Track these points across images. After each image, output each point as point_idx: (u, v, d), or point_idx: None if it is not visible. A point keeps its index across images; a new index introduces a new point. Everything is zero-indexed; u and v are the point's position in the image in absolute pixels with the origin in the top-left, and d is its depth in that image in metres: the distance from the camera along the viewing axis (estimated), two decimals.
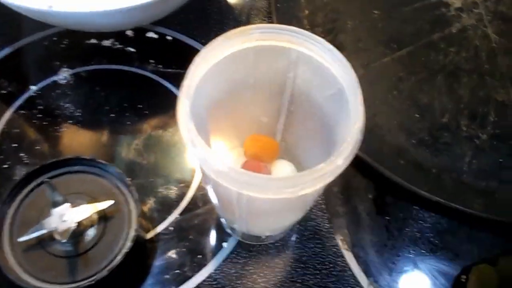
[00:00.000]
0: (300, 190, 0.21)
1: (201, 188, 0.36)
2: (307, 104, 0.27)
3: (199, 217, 0.36)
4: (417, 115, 0.41)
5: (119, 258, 0.30)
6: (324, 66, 0.24)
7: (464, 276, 0.34)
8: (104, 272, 0.29)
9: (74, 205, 0.30)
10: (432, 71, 0.43)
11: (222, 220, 0.35)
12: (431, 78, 0.43)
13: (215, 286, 0.33)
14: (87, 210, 0.30)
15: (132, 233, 0.31)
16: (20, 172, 0.35)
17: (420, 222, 0.37)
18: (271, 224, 0.29)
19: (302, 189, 0.21)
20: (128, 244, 0.30)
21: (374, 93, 0.42)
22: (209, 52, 0.23)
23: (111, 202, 0.31)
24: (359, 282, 0.34)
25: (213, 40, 0.23)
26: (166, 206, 0.36)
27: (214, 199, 0.28)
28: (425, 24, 0.46)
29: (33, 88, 0.39)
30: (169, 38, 0.43)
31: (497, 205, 0.37)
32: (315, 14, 0.45)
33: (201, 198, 0.36)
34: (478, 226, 0.36)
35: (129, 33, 0.42)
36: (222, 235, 0.35)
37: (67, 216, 0.30)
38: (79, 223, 0.30)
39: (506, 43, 0.45)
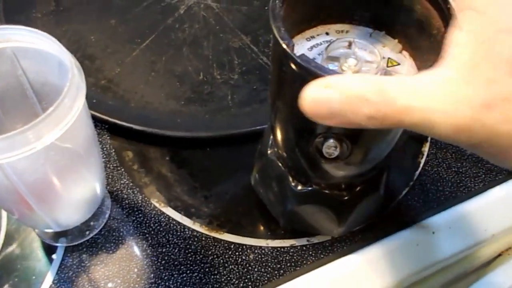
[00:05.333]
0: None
1: (9, 224, 0.38)
2: (52, 93, 0.31)
3: (20, 245, 0.37)
4: (178, 83, 0.47)
5: None
6: (39, 50, 0.28)
7: None
8: None
9: None
10: (177, 46, 0.50)
11: (43, 239, 0.37)
12: (178, 52, 0.50)
13: None
14: None
15: None
16: None
17: (215, 157, 0.43)
18: (67, 202, 0.32)
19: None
20: None
21: (136, 81, 0.47)
22: None
23: None
24: (185, 225, 0.39)
25: None
26: None
27: (8, 210, 0.30)
28: (157, 15, 0.53)
29: None
30: None
31: (261, 118, 0.44)
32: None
33: (16, 231, 0.37)
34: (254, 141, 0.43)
35: None
36: (49, 250, 0.37)
37: None
38: None
39: (225, 6, 0.54)
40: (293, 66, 0.24)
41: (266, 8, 0.55)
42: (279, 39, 0.24)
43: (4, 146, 0.23)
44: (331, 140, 0.26)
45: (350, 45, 0.28)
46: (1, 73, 0.29)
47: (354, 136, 0.26)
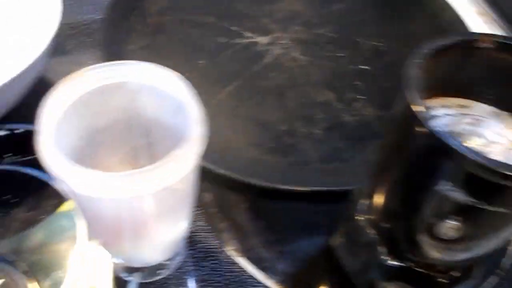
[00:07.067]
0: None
1: (87, 253, 0.37)
2: (159, 129, 0.31)
3: (94, 278, 0.36)
4: (260, 131, 0.47)
5: None
6: (159, 88, 0.29)
7: None
8: None
9: None
10: (261, 94, 0.51)
11: (119, 272, 0.37)
12: (263, 100, 0.50)
13: None
14: None
15: None
16: None
17: (292, 212, 0.42)
18: (158, 239, 0.31)
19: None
20: None
21: (220, 124, 0.47)
22: (55, 103, 0.26)
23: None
24: (257, 280, 0.38)
25: (52, 91, 0.27)
26: (57, 281, 0.36)
27: (99, 233, 0.30)
28: (244, 61, 0.54)
29: None
30: (19, 130, 0.44)
31: (343, 179, 0.44)
32: None
33: (91, 260, 0.37)
34: (334, 200, 0.42)
35: None
36: (123, 284, 0.36)
37: None
38: None
39: (311, 59, 0.55)
40: (426, 139, 0.23)
41: (350, 66, 0.55)
42: (415, 107, 0.24)
43: (132, 181, 0.23)
44: (452, 221, 0.25)
45: (474, 122, 0.28)
46: (115, 106, 0.29)
47: (482, 219, 0.24)
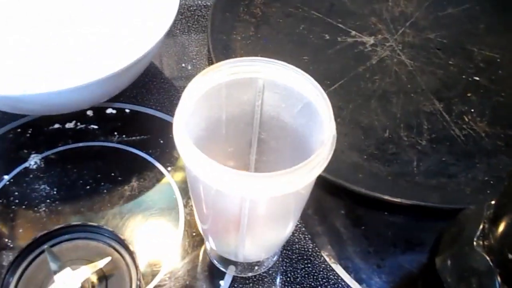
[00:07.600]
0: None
1: (186, 236, 0.38)
2: (277, 127, 0.31)
3: (191, 263, 0.37)
4: (362, 136, 0.46)
5: None
6: (288, 87, 0.28)
7: None
8: None
9: (74, 268, 0.31)
10: (365, 97, 0.49)
11: (215, 261, 0.37)
12: (366, 103, 0.48)
13: None
14: (87, 270, 0.31)
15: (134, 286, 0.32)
16: (7, 258, 0.35)
17: (391, 224, 0.40)
18: (268, 239, 0.31)
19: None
20: None
21: None
22: (190, 95, 0.26)
23: (109, 258, 0.32)
24: None
25: (192, 80, 0.27)
26: (156, 261, 0.37)
27: (209, 229, 0.30)
28: (349, 61, 0.52)
29: (6, 177, 0.40)
30: (127, 111, 0.46)
31: (449, 196, 0.41)
32: None
33: (190, 244, 0.38)
34: (437, 217, 0.40)
35: (89, 113, 0.45)
36: (218, 275, 0.36)
37: (70, 279, 0.30)
38: (82, 286, 0.31)
39: (419, 65, 0.52)
40: None
41: (462, 76, 0.52)
42: None
43: (263, 183, 0.23)
44: None
45: None
46: (244, 100, 0.29)
47: None
